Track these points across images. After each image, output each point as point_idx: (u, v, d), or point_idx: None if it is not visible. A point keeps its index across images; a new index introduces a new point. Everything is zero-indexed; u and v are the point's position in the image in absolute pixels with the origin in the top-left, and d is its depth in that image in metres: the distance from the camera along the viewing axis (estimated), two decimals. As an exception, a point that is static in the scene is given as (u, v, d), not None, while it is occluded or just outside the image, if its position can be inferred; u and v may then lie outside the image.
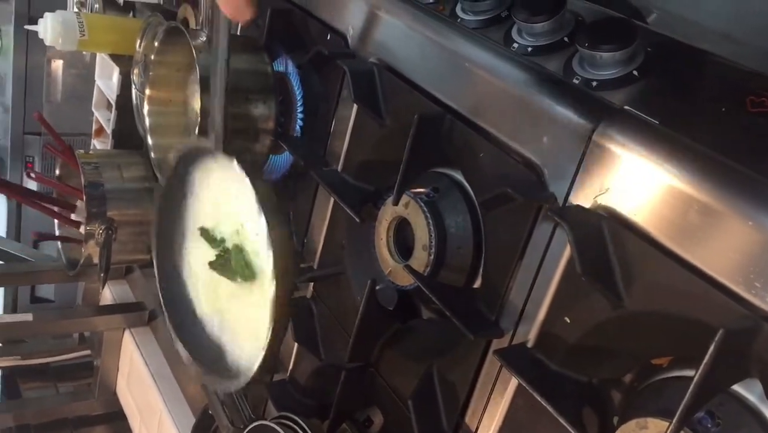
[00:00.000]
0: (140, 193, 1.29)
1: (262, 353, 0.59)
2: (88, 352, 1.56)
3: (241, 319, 0.71)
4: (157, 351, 1.41)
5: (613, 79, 0.65)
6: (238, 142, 0.91)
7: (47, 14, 1.28)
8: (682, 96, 0.66)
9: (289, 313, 0.60)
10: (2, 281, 1.64)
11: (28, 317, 1.35)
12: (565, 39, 0.69)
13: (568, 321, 0.59)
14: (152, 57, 0.97)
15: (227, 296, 0.75)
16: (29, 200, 1.33)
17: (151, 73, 0.99)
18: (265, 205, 0.65)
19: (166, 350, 1.39)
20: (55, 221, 1.39)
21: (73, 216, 1.35)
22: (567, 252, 0.58)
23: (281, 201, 0.69)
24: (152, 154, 0.99)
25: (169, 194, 0.81)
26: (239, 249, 0.72)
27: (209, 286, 0.76)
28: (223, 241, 0.74)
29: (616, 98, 0.66)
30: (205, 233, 0.76)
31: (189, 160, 0.79)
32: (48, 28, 1.27)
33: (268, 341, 0.60)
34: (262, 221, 0.63)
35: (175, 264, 0.80)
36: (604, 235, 0.55)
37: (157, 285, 0.77)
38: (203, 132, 0.74)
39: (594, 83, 0.66)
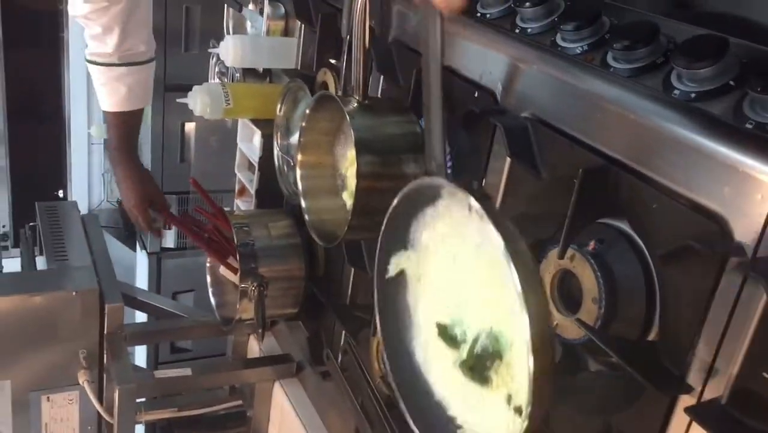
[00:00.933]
0: (287, 250, 1.35)
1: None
2: (239, 402, 1.62)
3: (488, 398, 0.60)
4: (306, 401, 1.45)
5: (790, 121, 0.63)
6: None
7: (196, 88, 1.38)
8: None
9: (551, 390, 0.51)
10: (159, 336, 1.74)
11: (187, 371, 1.43)
12: (731, 83, 0.68)
13: (766, 376, 0.57)
14: (303, 124, 1.02)
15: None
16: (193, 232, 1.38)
17: (302, 139, 1.03)
18: (515, 256, 0.51)
19: (315, 401, 1.43)
20: (208, 277, 1.47)
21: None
22: (761, 305, 0.56)
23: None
24: (307, 217, 1.04)
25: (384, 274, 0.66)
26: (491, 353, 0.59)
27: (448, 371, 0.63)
28: (465, 341, 0.61)
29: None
30: (443, 332, 0.61)
31: (407, 211, 0.64)
32: (197, 100, 1.36)
33: (527, 423, 0.51)
34: (515, 279, 0.50)
35: (406, 351, 0.65)
36: (802, 286, 0.53)
37: (391, 378, 0.64)
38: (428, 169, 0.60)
39: (769, 126, 0.65)
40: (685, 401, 0.64)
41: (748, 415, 0.58)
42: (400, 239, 0.63)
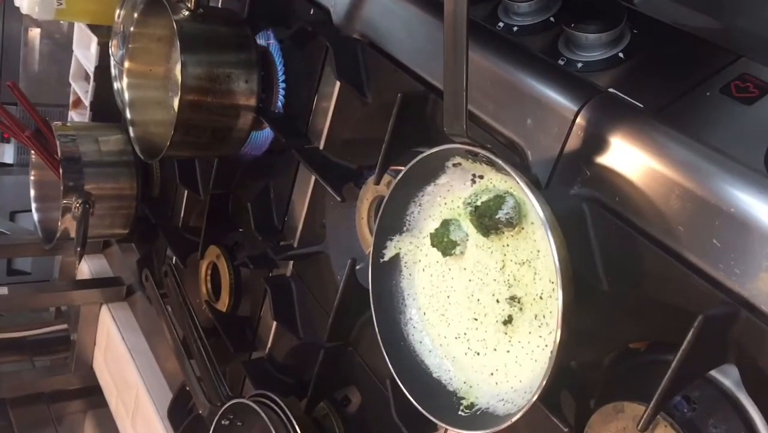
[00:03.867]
0: (119, 168, 1.27)
1: (536, 397, 0.48)
2: (64, 326, 1.55)
3: (483, 359, 0.58)
4: (134, 326, 1.40)
5: (599, 60, 0.65)
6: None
7: (23, -19, 1.25)
8: (667, 79, 0.65)
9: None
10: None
11: (3, 290, 1.34)
12: (552, 19, 0.69)
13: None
14: (131, 29, 0.95)
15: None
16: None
17: (130, 46, 0.96)
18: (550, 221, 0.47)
19: (144, 326, 1.38)
20: (32, 192, 1.37)
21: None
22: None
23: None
24: (131, 130, 0.97)
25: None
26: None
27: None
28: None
29: (601, 80, 0.65)
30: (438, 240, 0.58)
31: (406, 192, 0.59)
32: (24, -4, 1.24)
33: (541, 390, 0.48)
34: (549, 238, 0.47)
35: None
36: (585, 218, 0.55)
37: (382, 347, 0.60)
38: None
39: (579, 64, 0.66)
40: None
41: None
42: (396, 221, 0.61)
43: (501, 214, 0.53)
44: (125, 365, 1.34)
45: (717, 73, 0.64)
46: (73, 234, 1.26)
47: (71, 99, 1.52)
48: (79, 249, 1.16)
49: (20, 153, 2.80)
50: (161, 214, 1.28)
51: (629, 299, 0.53)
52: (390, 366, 0.60)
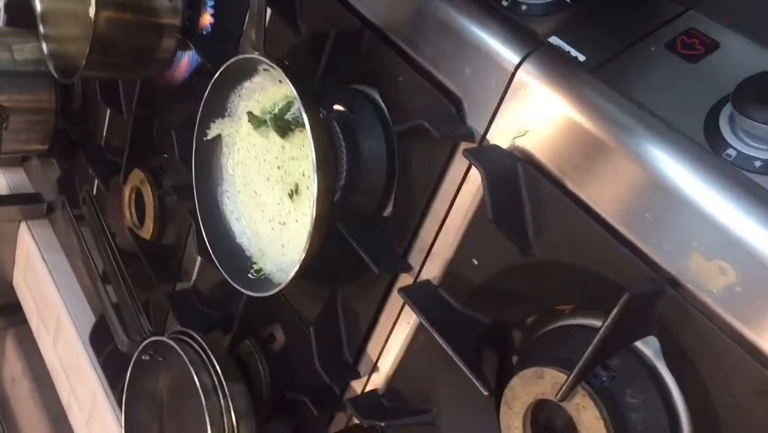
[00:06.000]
0: (35, 78, 1.18)
1: (298, 266, 0.59)
2: (-19, 243, 1.47)
3: (278, 233, 0.69)
4: (55, 245, 1.34)
5: (544, 3, 0.61)
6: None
7: None
8: (613, 29, 0.63)
9: (328, 226, 0.59)
10: None
11: None
12: (497, -44, 0.64)
13: (476, 263, 0.57)
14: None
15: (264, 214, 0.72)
16: None
17: (42, -52, 0.88)
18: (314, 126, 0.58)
19: (66, 245, 1.33)
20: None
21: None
22: (480, 193, 0.55)
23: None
24: (44, 45, 0.90)
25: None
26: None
27: (249, 202, 0.73)
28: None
29: (546, 25, 0.62)
30: (253, 118, 0.69)
31: (227, 81, 0.69)
32: None
33: (305, 253, 0.58)
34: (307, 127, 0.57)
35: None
36: (519, 179, 0.52)
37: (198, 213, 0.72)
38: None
39: (523, 7, 0.63)
40: (406, 279, 0.64)
41: (456, 298, 0.59)
42: (219, 107, 0.71)
43: (289, 115, 0.67)
44: (46, 285, 1.29)
45: (664, 26, 0.62)
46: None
47: (-17, -1, 1.40)
48: (-9, 166, 1.09)
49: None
50: (82, 130, 1.21)
51: (557, 264, 0.52)
52: (201, 228, 0.71)
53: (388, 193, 0.67)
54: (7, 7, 1.31)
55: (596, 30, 0.62)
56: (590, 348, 0.46)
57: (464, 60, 0.56)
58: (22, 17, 1.30)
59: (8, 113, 1.15)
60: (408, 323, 0.64)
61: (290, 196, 0.69)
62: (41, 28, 0.90)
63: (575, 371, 0.47)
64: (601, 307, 0.47)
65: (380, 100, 0.68)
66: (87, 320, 1.21)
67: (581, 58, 0.59)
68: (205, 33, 0.86)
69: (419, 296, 0.59)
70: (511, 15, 0.58)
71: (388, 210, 0.67)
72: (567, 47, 0.59)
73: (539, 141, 0.52)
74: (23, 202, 1.36)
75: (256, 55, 0.65)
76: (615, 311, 0.44)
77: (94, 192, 1.17)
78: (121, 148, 1.08)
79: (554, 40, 0.60)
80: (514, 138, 0.53)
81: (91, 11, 0.78)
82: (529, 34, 0.55)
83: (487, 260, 0.56)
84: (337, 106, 0.69)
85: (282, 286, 0.63)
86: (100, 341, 1.15)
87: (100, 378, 1.16)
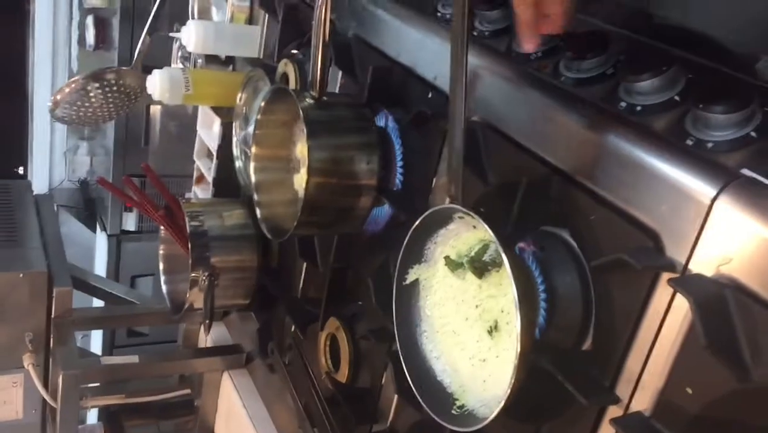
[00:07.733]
0: (240, 240, 1.34)
1: (504, 399, 0.61)
2: (188, 391, 1.61)
3: (479, 369, 0.74)
4: (254, 393, 1.44)
5: (730, 140, 0.64)
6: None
7: (156, 71, 1.35)
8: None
9: (531, 361, 0.63)
10: (107, 322, 1.72)
11: (134, 359, 1.41)
12: (677, 98, 0.68)
13: (690, 391, 0.57)
14: (258, 117, 1.01)
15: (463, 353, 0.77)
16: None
17: (256, 132, 1.02)
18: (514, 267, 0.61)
19: (263, 392, 1.42)
20: (160, 265, 1.45)
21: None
22: (688, 321, 0.57)
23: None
24: (258, 211, 1.02)
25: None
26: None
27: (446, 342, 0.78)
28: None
29: (733, 159, 0.64)
30: (450, 262, 0.75)
31: (424, 231, 0.75)
32: (156, 84, 1.34)
33: (509, 387, 0.61)
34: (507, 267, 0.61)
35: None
36: (729, 306, 0.53)
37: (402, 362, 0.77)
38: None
39: (709, 144, 0.65)
40: (614, 411, 0.65)
41: (671, 429, 0.59)
42: (417, 253, 0.77)
43: (486, 257, 0.72)
44: (246, 430, 1.38)
45: None
46: (197, 304, 1.32)
47: (195, 175, 1.62)
48: (207, 321, 1.22)
49: (141, 221, 2.98)
50: (281, 285, 1.33)
51: (780, 389, 0.51)
52: (404, 367, 0.75)
53: (586, 327, 0.69)
54: (215, 181, 1.51)
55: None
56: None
57: (659, 196, 0.60)
58: (226, 189, 1.49)
59: (219, 273, 1.29)
60: (621, 456, 0.64)
61: (489, 333, 0.73)
62: (255, 196, 1.03)
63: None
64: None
65: (570, 239, 0.72)
66: (285, 463, 1.27)
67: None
68: (395, 189, 0.96)
69: (632, 428, 0.60)
70: (698, 152, 0.61)
71: (587, 344, 0.69)
72: (759, 177, 0.61)
73: (746, 267, 0.53)
74: (225, 354, 1.49)
75: (453, 205, 0.71)
76: None
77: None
78: (315, 298, 1.18)
79: (744, 171, 0.62)
80: (719, 266, 0.55)
81: (303, 179, 0.90)
82: (721, 167, 0.58)
83: (702, 389, 0.56)
84: (530, 246, 0.73)
85: (488, 420, 0.65)
86: (298, 484, 1.20)
87: None
